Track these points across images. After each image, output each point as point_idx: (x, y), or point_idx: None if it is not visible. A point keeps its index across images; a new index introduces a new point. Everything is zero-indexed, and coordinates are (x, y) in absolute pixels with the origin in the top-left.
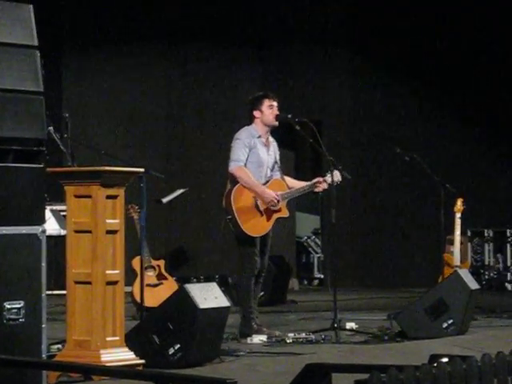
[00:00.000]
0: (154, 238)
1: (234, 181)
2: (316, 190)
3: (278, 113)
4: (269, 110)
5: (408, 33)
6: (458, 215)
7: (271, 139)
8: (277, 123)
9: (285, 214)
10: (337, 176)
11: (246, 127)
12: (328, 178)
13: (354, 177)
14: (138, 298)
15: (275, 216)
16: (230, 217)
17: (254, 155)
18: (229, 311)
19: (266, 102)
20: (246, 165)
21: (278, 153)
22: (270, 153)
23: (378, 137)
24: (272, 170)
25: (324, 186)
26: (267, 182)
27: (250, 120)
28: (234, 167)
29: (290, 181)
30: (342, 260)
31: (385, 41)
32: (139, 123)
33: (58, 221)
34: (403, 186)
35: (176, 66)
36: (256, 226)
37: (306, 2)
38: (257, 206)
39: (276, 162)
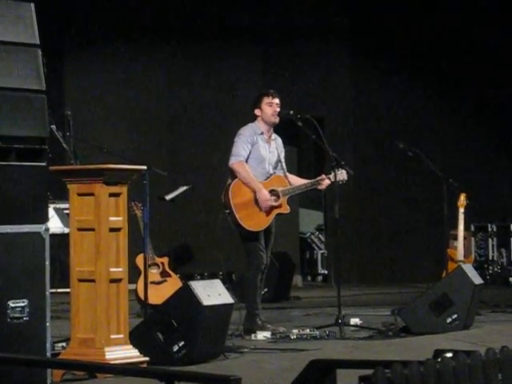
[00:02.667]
0: (157, 235)
1: (234, 176)
2: (319, 187)
3: (277, 110)
4: (268, 108)
5: (410, 28)
6: (462, 210)
7: (274, 136)
8: (277, 120)
9: (285, 209)
10: (342, 175)
11: (249, 124)
12: (332, 177)
13: (356, 172)
14: (141, 296)
15: (275, 211)
16: (228, 211)
17: (256, 151)
18: (233, 308)
19: (265, 100)
20: (247, 161)
21: (282, 150)
22: (271, 150)
23: (380, 132)
24: (275, 168)
25: (327, 183)
26: (268, 177)
27: (253, 119)
28: (233, 162)
29: (293, 178)
30: (345, 256)
31: (386, 36)
32: (141, 121)
33: (62, 219)
34: (406, 182)
35: (178, 64)
36: (254, 221)
37: None
38: (255, 201)
39: (280, 161)
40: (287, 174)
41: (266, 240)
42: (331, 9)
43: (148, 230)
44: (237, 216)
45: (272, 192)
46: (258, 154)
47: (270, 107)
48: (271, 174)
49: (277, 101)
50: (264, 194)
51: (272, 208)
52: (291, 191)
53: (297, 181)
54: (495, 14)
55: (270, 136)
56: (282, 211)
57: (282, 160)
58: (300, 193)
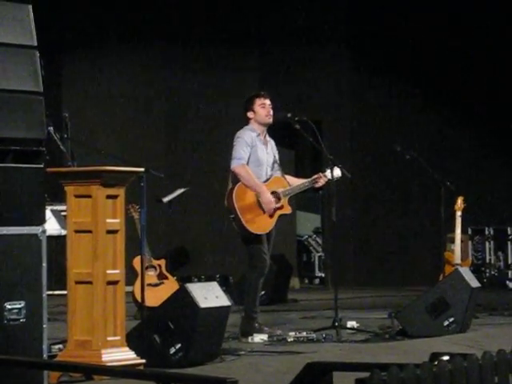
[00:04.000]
0: (154, 237)
1: (236, 179)
2: (316, 185)
3: (270, 110)
4: (261, 109)
5: (407, 31)
6: (459, 213)
7: (268, 138)
8: (271, 121)
9: (287, 210)
10: (336, 172)
11: (246, 126)
12: (328, 174)
13: (354, 175)
14: (138, 298)
15: (278, 213)
16: (232, 216)
17: (254, 154)
18: (230, 310)
19: (257, 102)
20: (247, 163)
21: (276, 152)
22: (268, 151)
23: (377, 135)
24: (272, 169)
25: (323, 181)
26: (268, 179)
27: (246, 122)
28: (236, 165)
29: (290, 179)
30: (342, 259)
31: (384, 39)
32: (139, 123)
33: (59, 221)
34: (403, 185)
35: (175, 66)
36: (259, 224)
37: (305, 1)
38: (259, 204)
39: (276, 161)
40: (284, 174)
41: (268, 243)
42: (329, 12)
43: (145, 232)
44: (242, 220)
45: (273, 194)
46: (256, 157)
47: (263, 108)
48: (270, 176)
49: (268, 101)
50: (267, 197)
51: (275, 210)
52: (291, 191)
53: (294, 181)
54: (495, 24)
55: (264, 137)
56: (285, 212)
57: (278, 161)
58: (299, 192)
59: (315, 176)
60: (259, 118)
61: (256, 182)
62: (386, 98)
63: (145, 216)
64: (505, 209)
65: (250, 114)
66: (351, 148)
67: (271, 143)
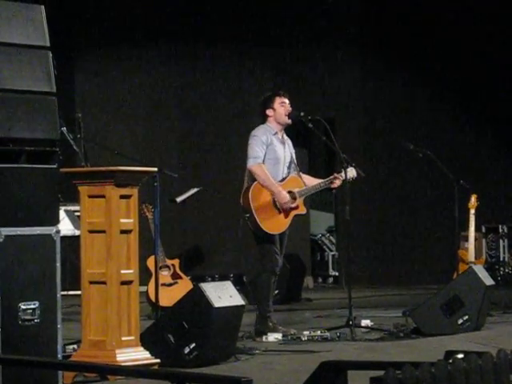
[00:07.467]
0: (168, 237)
1: (252, 178)
2: (332, 186)
3: (290, 109)
4: (281, 108)
5: (420, 28)
6: (473, 211)
7: (286, 137)
8: (290, 120)
9: (302, 210)
10: (352, 172)
11: (261, 125)
12: (343, 174)
13: (367, 174)
14: (152, 298)
15: (293, 213)
16: (248, 215)
17: (272, 152)
18: (244, 310)
19: (278, 100)
20: (263, 162)
21: (293, 151)
22: (285, 150)
23: (391, 133)
24: (289, 168)
25: (339, 181)
26: (284, 178)
27: (263, 120)
28: (253, 164)
29: (306, 178)
30: (356, 257)
31: (396, 37)
32: (152, 122)
33: (72, 221)
34: (417, 183)
35: (189, 65)
36: (274, 224)
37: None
38: (274, 204)
39: (293, 161)
40: (300, 173)
41: (281, 242)
42: (341, 10)
43: (159, 232)
44: (257, 220)
45: (289, 193)
46: (274, 155)
47: (283, 107)
48: (286, 175)
49: (287, 101)
50: (283, 196)
51: (290, 210)
52: (307, 191)
53: (311, 181)
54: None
55: (282, 136)
56: (300, 212)
57: (295, 160)
58: (314, 192)
59: (331, 177)
60: (278, 116)
61: (272, 182)
62: (399, 95)
63: (158, 216)
64: None
65: (269, 112)
66: (364, 146)
67: (288, 142)
